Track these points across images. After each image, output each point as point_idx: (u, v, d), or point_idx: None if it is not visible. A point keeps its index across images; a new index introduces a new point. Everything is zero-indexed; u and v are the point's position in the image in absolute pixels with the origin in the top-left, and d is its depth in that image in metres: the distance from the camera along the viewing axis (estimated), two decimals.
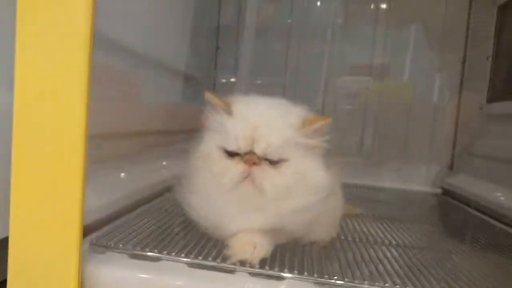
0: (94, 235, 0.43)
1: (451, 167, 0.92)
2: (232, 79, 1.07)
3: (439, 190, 0.91)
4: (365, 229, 0.57)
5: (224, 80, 1.06)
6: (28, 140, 0.35)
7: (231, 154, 0.38)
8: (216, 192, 0.39)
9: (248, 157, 0.37)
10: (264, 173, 0.37)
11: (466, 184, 0.81)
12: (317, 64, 1.01)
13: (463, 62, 0.89)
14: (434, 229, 0.63)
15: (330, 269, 0.39)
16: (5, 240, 0.36)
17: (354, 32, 0.99)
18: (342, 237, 0.51)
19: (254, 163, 0.37)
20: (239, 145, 0.37)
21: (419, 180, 0.91)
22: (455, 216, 0.73)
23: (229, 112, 0.39)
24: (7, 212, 0.35)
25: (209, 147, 0.39)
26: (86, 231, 0.41)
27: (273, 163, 0.37)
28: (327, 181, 0.39)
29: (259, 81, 1.06)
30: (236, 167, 0.37)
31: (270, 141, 0.37)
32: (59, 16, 0.33)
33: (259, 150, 0.37)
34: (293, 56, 1.02)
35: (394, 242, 0.51)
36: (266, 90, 1.02)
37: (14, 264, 0.35)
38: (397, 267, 0.42)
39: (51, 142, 0.35)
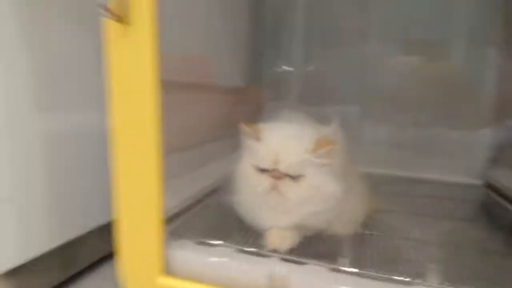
0: (171, 227, 0.60)
1: (494, 159, 0.91)
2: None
3: (481, 182, 0.90)
4: (390, 224, 0.63)
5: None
6: (123, 156, 0.49)
7: (262, 170, 0.51)
8: (253, 198, 0.52)
9: (274, 173, 0.49)
10: (286, 185, 0.49)
11: (507, 178, 0.81)
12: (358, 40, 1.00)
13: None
14: (463, 224, 0.66)
15: (345, 258, 0.50)
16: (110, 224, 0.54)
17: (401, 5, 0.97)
18: (365, 232, 0.59)
19: (279, 178, 0.49)
20: (266, 165, 0.49)
21: (460, 171, 0.91)
22: (493, 212, 0.73)
23: (258, 138, 0.51)
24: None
25: (246, 165, 0.52)
26: (166, 223, 0.57)
27: (293, 177, 0.49)
28: (338, 191, 0.50)
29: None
30: (266, 181, 0.50)
31: (289, 162, 0.48)
32: (134, 73, 0.46)
33: (281, 168, 0.49)
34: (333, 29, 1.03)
35: (418, 237, 0.57)
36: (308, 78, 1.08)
37: (122, 246, 0.52)
38: (407, 259, 0.50)
39: (138, 158, 0.48)
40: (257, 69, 1.13)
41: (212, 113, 0.87)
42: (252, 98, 1.12)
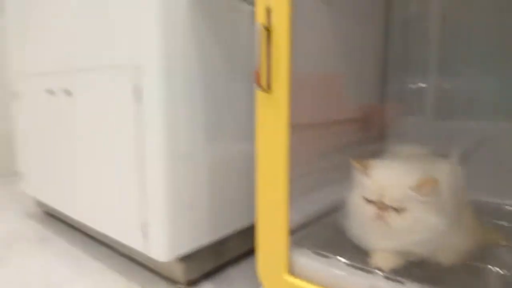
0: (294, 237, 0.75)
1: None
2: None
3: None
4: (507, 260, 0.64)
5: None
6: (263, 178, 0.67)
7: (369, 201, 0.61)
8: (361, 223, 0.64)
9: (380, 204, 0.60)
10: (390, 216, 0.58)
11: None
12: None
13: None
14: None
15: (442, 284, 0.56)
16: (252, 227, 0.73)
17: None
18: (475, 264, 0.62)
19: (383, 209, 0.59)
20: (373, 198, 0.60)
21: None
22: None
23: (367, 174, 0.62)
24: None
25: (356, 195, 0.64)
26: (291, 234, 0.72)
27: (396, 209, 0.58)
28: (441, 224, 0.56)
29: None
30: (372, 210, 0.60)
31: (392, 196, 0.58)
32: (273, 122, 0.65)
33: (386, 201, 0.59)
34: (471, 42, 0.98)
35: None
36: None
37: (259, 246, 0.71)
38: None
39: (273, 181, 0.65)
40: (386, 86, 1.17)
41: (335, 143, 1.00)
42: (377, 118, 1.17)
